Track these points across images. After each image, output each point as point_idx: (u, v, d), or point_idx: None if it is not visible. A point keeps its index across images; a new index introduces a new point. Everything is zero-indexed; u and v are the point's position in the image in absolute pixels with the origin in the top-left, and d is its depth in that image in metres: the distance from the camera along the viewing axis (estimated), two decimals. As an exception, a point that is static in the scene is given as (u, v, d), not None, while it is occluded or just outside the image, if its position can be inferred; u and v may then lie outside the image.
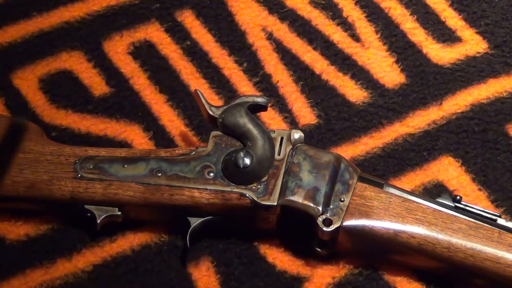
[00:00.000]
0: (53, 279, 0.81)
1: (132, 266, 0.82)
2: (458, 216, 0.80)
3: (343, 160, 0.82)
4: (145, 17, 0.98)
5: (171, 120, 0.91)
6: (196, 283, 0.82)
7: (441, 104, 0.93)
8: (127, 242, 0.83)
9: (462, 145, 0.91)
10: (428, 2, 1.01)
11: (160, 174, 0.81)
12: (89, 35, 0.96)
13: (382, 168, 0.89)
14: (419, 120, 0.92)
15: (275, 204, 0.79)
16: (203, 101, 0.84)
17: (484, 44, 0.98)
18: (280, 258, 0.83)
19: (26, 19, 0.97)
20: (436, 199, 0.82)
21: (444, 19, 0.99)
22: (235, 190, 0.80)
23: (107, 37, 0.97)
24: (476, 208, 0.81)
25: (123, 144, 0.89)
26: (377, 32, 0.98)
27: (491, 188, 0.88)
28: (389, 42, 0.98)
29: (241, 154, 0.80)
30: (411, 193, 0.82)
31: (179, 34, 0.97)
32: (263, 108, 0.84)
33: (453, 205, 0.81)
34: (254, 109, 0.83)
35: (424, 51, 0.97)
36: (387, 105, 0.93)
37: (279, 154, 0.82)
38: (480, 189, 0.88)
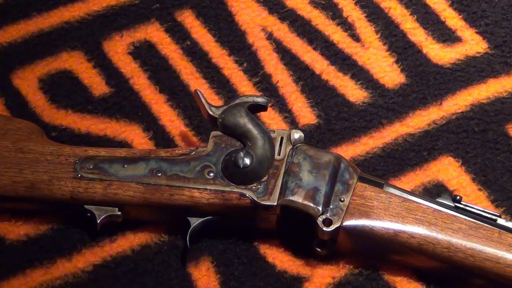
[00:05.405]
0: (53, 279, 0.81)
1: (132, 266, 0.82)
2: (458, 216, 0.80)
3: (343, 160, 0.82)
4: (145, 17, 0.98)
5: (171, 120, 0.91)
6: (196, 283, 0.82)
7: (441, 104, 0.93)
8: (127, 242, 0.83)
9: (462, 145, 0.90)
10: (428, 2, 1.01)
11: (160, 174, 0.81)
12: (89, 35, 0.96)
13: (382, 168, 0.89)
14: (419, 120, 0.92)
15: (275, 204, 0.79)
16: (203, 101, 0.84)
17: (484, 44, 0.98)
18: (280, 258, 0.83)
19: (26, 19, 0.97)
20: (436, 199, 0.82)
21: (444, 19, 0.99)
22: (235, 190, 0.80)
23: (107, 37, 0.97)
24: (476, 208, 0.81)
25: (123, 144, 0.89)
26: (377, 32, 0.98)
27: (491, 188, 0.88)
28: (389, 42, 0.97)
29: (241, 154, 0.80)
30: (411, 193, 0.82)
31: (179, 34, 0.97)
32: (263, 108, 0.84)
33: (453, 205, 0.81)
34: (254, 109, 0.83)
35: (424, 51, 0.97)
36: (387, 105, 0.93)
37: (279, 154, 0.82)
38: (480, 189, 0.88)
